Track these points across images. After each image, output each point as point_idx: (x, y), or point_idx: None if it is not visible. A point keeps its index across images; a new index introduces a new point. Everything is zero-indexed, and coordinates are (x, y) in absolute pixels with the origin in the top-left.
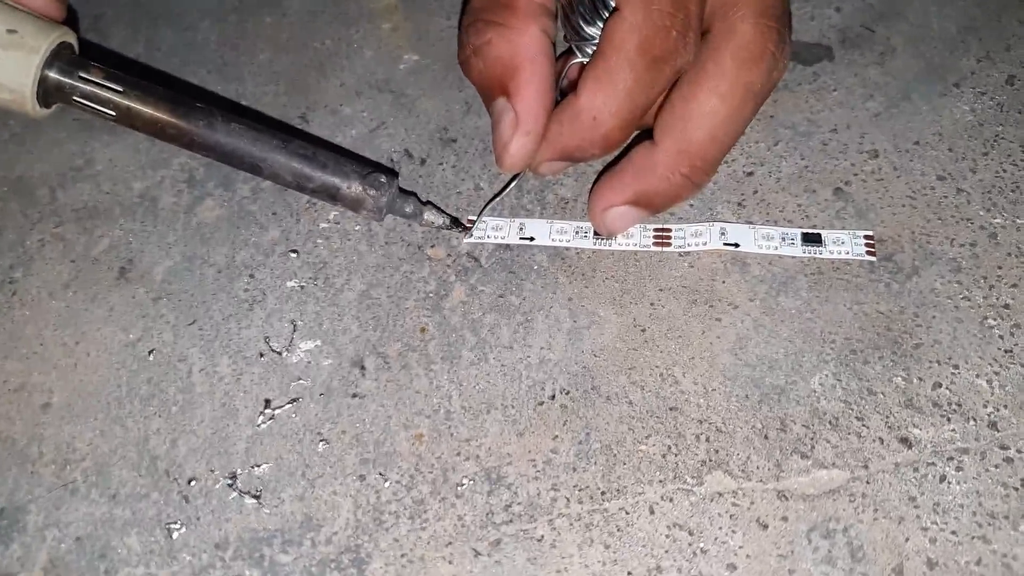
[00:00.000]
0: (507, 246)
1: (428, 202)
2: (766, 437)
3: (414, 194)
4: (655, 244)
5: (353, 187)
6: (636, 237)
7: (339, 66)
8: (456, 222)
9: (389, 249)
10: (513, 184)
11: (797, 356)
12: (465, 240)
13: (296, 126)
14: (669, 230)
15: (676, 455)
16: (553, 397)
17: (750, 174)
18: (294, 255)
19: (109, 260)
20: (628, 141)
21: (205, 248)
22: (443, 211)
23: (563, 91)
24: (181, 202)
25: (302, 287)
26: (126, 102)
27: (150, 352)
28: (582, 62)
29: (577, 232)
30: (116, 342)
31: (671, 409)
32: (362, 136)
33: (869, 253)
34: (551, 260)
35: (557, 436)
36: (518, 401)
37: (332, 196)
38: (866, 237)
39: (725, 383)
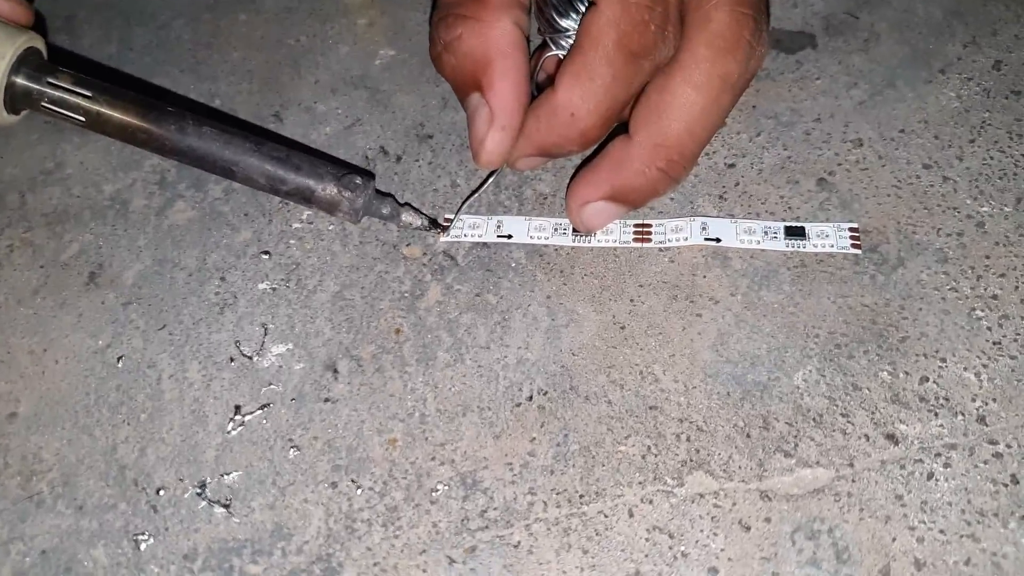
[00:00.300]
0: (484, 244)
1: (406, 203)
2: (748, 436)
3: (391, 195)
4: (635, 240)
5: (328, 189)
6: (616, 233)
7: (314, 63)
8: (434, 223)
9: (363, 249)
10: (490, 181)
11: (780, 351)
12: (442, 239)
13: (269, 125)
14: (649, 225)
15: (656, 456)
16: (531, 398)
17: (731, 166)
18: (266, 256)
19: (79, 265)
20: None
21: (176, 251)
22: (421, 212)
23: (539, 85)
24: (152, 204)
25: (274, 289)
26: (95, 107)
27: (119, 359)
28: (558, 56)
29: (556, 229)
30: (85, 349)
31: (651, 408)
32: (337, 133)
33: (854, 246)
34: (529, 257)
35: (535, 438)
36: (495, 403)
37: (307, 199)
38: (851, 229)
39: (706, 380)
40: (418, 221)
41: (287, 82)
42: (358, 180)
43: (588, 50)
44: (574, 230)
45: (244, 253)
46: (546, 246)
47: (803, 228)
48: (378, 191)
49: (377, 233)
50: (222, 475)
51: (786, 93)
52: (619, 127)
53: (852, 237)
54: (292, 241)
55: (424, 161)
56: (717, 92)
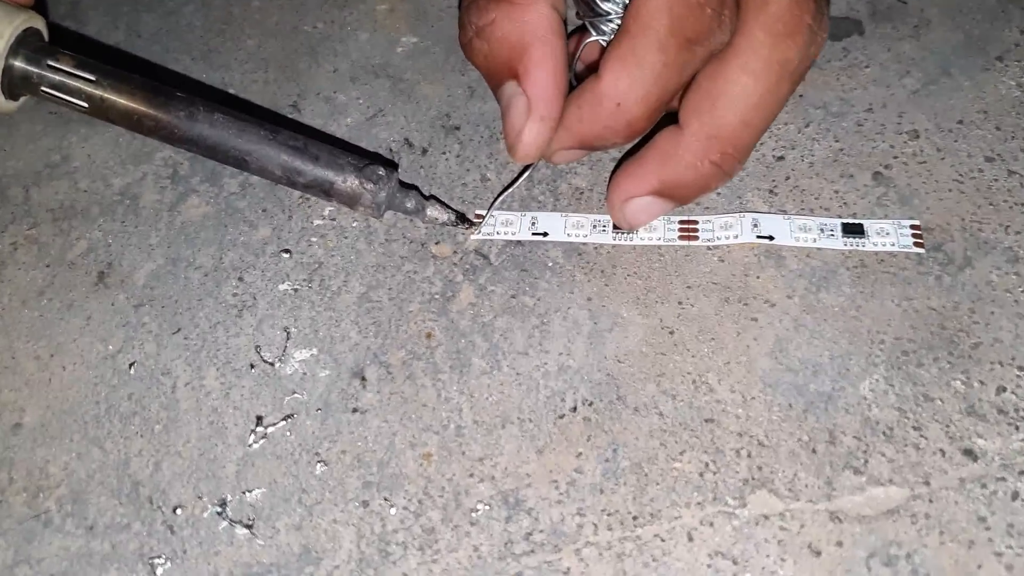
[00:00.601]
0: (519, 242)
1: (432, 196)
2: (814, 451)
3: (416, 188)
4: (681, 238)
5: (349, 181)
6: (660, 231)
7: (332, 50)
8: (462, 218)
9: (390, 247)
10: (525, 175)
11: (844, 359)
12: (472, 236)
13: (287, 115)
14: (695, 222)
15: (715, 473)
16: (575, 409)
17: (780, 158)
18: (286, 255)
19: (87, 264)
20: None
21: (190, 249)
22: (448, 206)
23: (578, 74)
24: (164, 200)
25: (296, 290)
26: (99, 92)
27: (131, 365)
28: (599, 42)
29: (595, 226)
30: (94, 354)
31: (707, 421)
32: (358, 125)
33: (917, 244)
34: (567, 256)
35: (581, 453)
36: (536, 414)
37: (326, 192)
38: (912, 227)
39: (765, 390)
40: (445, 216)
41: (304, 70)
42: (381, 171)
43: (637, 35)
44: (614, 227)
45: (263, 251)
46: (584, 244)
47: (861, 225)
48: (402, 183)
49: (404, 230)
50: (244, 492)
51: (834, 82)
52: (664, 118)
53: (914, 235)
54: (314, 239)
55: (451, 154)
56: (775, 80)
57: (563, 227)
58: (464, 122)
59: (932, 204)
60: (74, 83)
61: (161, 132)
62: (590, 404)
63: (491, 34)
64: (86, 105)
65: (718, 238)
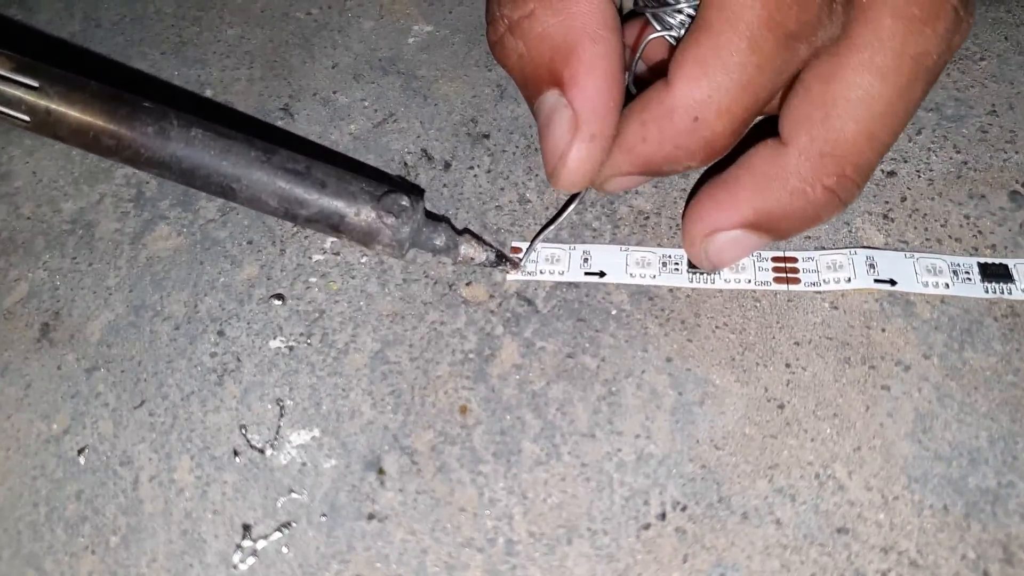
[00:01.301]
0: (571, 282)
1: (465, 230)
2: (986, 573)
3: (445, 219)
4: (777, 280)
5: (364, 214)
6: (749, 271)
7: (330, 42)
8: (503, 257)
9: (409, 289)
10: (571, 208)
11: (1008, 442)
12: (511, 277)
13: (277, 122)
14: (795, 260)
15: None
16: (663, 516)
17: (892, 174)
18: (278, 302)
19: (27, 314)
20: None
21: (158, 294)
22: (485, 241)
23: (637, 79)
24: (126, 229)
25: (291, 348)
26: (44, 103)
27: (81, 451)
28: (665, 38)
29: (664, 263)
30: (33, 436)
31: (839, 531)
32: (364, 133)
33: None
34: (634, 301)
35: None
36: (612, 523)
37: (334, 227)
38: None
39: (911, 487)
40: (483, 255)
41: (297, 67)
42: (404, 201)
43: (722, 30)
44: (690, 265)
45: (249, 297)
46: (654, 287)
47: (1005, 267)
48: (428, 214)
49: (425, 267)
50: None
51: (944, 79)
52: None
53: None
54: (312, 279)
55: (481, 169)
56: (908, 80)
57: (623, 265)
58: (494, 128)
59: None
60: (12, 91)
61: (124, 153)
62: (683, 509)
63: (529, 30)
64: (27, 119)
65: (825, 281)
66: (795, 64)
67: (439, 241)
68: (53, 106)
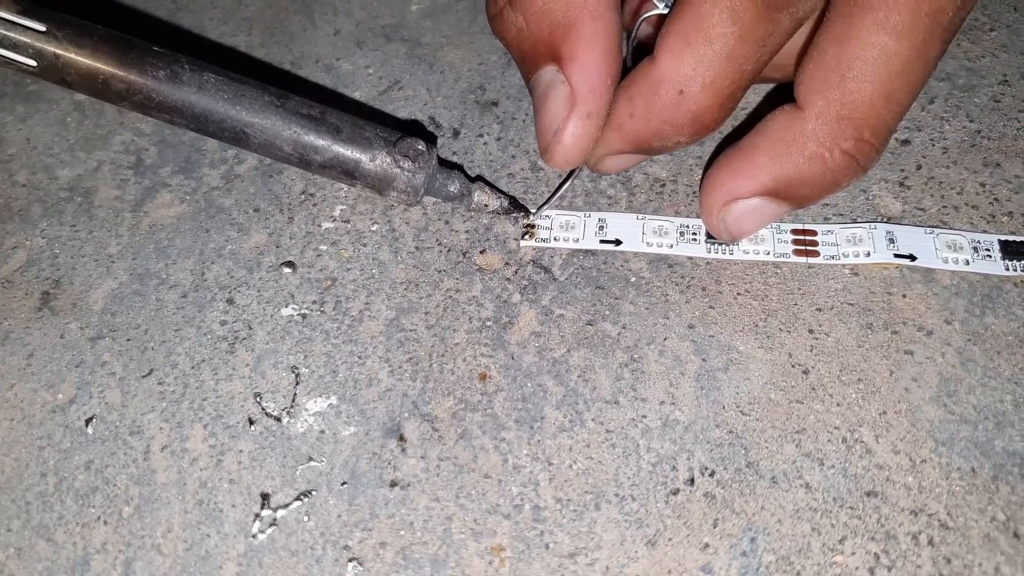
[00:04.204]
0: (588, 249)
1: (478, 177)
2: (1017, 535)
3: (459, 167)
4: (796, 253)
5: (379, 159)
6: (768, 242)
7: (331, 7)
8: (516, 204)
9: (422, 257)
10: (567, 184)
11: None
12: (524, 243)
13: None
14: (814, 233)
15: (890, 569)
16: (692, 481)
17: (906, 142)
18: (288, 270)
19: (26, 282)
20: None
21: (162, 262)
22: (498, 189)
23: (634, 55)
24: (126, 196)
25: (303, 316)
26: (52, 47)
27: (88, 421)
28: (661, 13)
29: (681, 232)
30: (38, 406)
31: (868, 494)
32: (370, 101)
33: None
34: (653, 268)
35: (708, 545)
36: (640, 489)
37: (349, 173)
38: None
39: (938, 450)
40: (495, 202)
41: (298, 33)
42: (420, 146)
43: (703, 2)
44: (708, 236)
45: (258, 264)
46: (672, 256)
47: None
48: (441, 161)
49: (438, 234)
50: None
51: (954, 48)
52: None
53: None
54: (323, 247)
55: (491, 136)
56: (924, 38)
57: (640, 233)
58: (503, 96)
59: None
60: (18, 35)
61: (135, 98)
62: (711, 474)
63: (529, 4)
64: (34, 64)
65: (844, 255)
66: (779, 35)
67: (453, 188)
68: (61, 51)
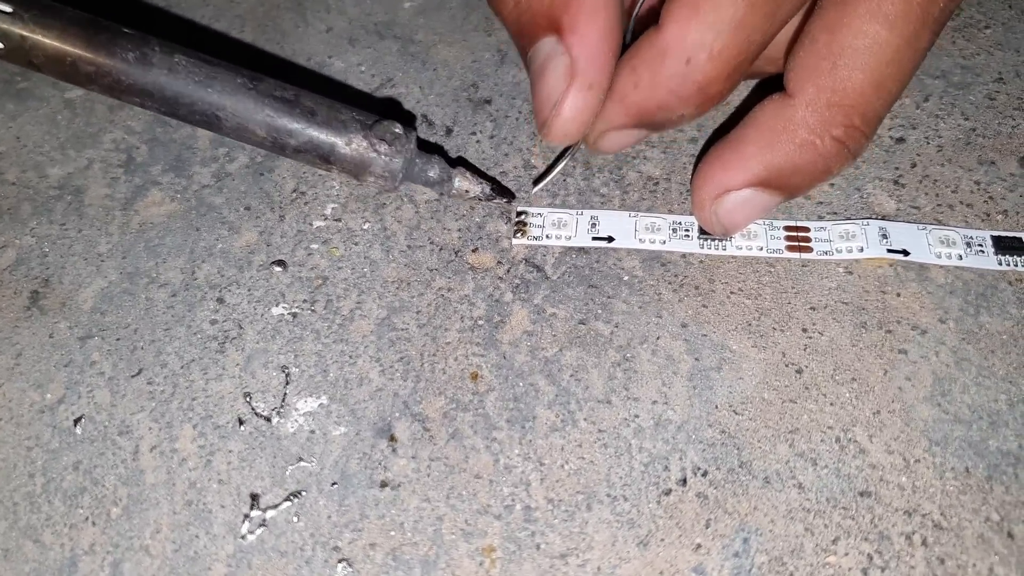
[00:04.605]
0: (581, 248)
1: (460, 160)
2: (1011, 536)
3: (440, 150)
4: (790, 249)
5: (355, 143)
6: (761, 238)
7: (323, 5)
8: (500, 189)
9: (414, 256)
10: (565, 161)
11: None
12: (517, 241)
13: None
14: (807, 229)
15: (883, 569)
16: (684, 481)
17: (900, 140)
18: (279, 268)
19: (15, 281)
20: (730, 95)
21: (152, 261)
22: (481, 173)
23: (636, 27)
24: (116, 195)
25: (294, 315)
26: (19, 29)
27: (77, 421)
28: None
29: (674, 229)
30: (26, 406)
31: (862, 494)
32: (362, 98)
33: None
34: (646, 267)
35: (700, 545)
36: (632, 489)
37: (325, 157)
38: None
39: (932, 450)
40: (477, 188)
41: (290, 30)
42: (397, 129)
43: None
44: (701, 231)
45: (248, 263)
46: (664, 253)
47: (1019, 240)
48: (422, 144)
49: (430, 232)
50: None
51: (949, 46)
52: (762, 85)
53: None
54: (314, 245)
55: (483, 135)
56: (915, 28)
57: (633, 231)
58: (496, 94)
59: None
60: None
61: (103, 81)
62: (704, 474)
63: None
64: (1, 46)
65: (838, 250)
66: (787, 8)
67: (433, 173)
68: (28, 32)
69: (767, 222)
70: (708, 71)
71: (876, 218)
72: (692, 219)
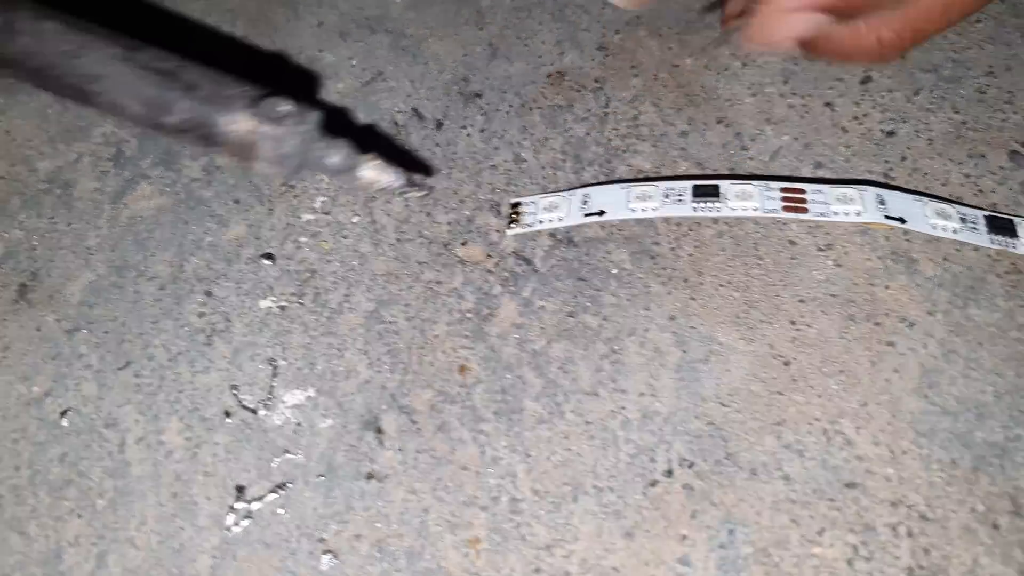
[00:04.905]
0: (571, 242)
1: (375, 149)
2: (996, 526)
3: (347, 136)
4: (786, 209)
5: (239, 122)
6: (756, 199)
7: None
8: (415, 182)
9: (403, 248)
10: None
11: (1014, 396)
12: (509, 232)
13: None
14: (803, 191)
15: (868, 560)
16: (670, 473)
17: (891, 134)
18: (268, 262)
19: (3, 274)
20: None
21: (141, 254)
22: (395, 164)
23: None
24: (105, 188)
25: (282, 308)
26: None
27: (64, 413)
28: None
29: (667, 195)
30: (13, 399)
31: (848, 486)
32: (353, 92)
33: None
34: (636, 260)
35: (686, 536)
36: (618, 481)
37: (206, 138)
38: None
39: (919, 441)
40: (387, 178)
41: (282, 25)
42: (285, 106)
43: None
44: (695, 194)
45: (237, 256)
46: (658, 244)
47: (1011, 222)
48: (330, 124)
49: (419, 226)
50: None
51: (940, 40)
52: None
53: None
54: (303, 239)
55: (474, 128)
56: None
57: (625, 201)
58: (487, 87)
59: None
60: None
61: None
62: (690, 465)
63: None
64: None
65: (835, 213)
66: None
67: (334, 160)
68: None
69: (763, 183)
70: None
71: (873, 183)
72: (686, 184)
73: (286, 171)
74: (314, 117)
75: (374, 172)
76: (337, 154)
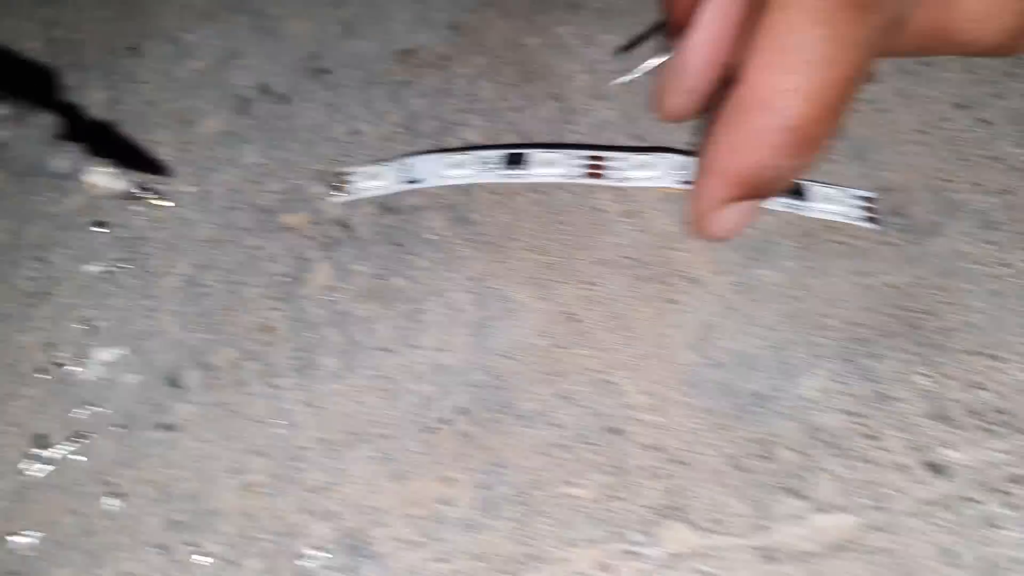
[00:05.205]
0: (391, 210)
1: (112, 154)
2: (743, 469)
3: (77, 138)
4: (590, 175)
5: None
6: (562, 166)
7: None
8: (147, 188)
9: (229, 216)
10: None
11: (783, 350)
12: (334, 199)
13: (123, 60)
14: (602, 158)
15: (620, 500)
16: (447, 420)
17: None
18: (101, 229)
19: None
20: None
21: None
22: (128, 171)
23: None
24: None
25: (110, 273)
26: None
27: None
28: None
29: (484, 164)
30: None
31: (611, 431)
32: (207, 69)
33: (870, 220)
34: (451, 226)
35: (451, 478)
36: (397, 428)
37: None
38: (865, 199)
39: (686, 392)
40: (113, 185)
41: (149, 7)
42: (3, 111)
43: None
44: (508, 161)
45: (71, 224)
46: (473, 214)
47: (800, 187)
48: (60, 128)
49: (249, 195)
50: (10, 535)
51: None
52: None
53: (868, 208)
54: (138, 208)
55: (319, 102)
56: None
57: (440, 168)
58: (336, 64)
59: (890, 159)
60: None
61: None
62: (467, 413)
63: None
64: None
65: (630, 179)
66: (875, 35)
67: (62, 164)
68: None
69: (571, 153)
70: (804, 111)
71: (673, 150)
72: (501, 153)
73: (11, 174)
74: (41, 121)
75: (95, 177)
76: (64, 159)
